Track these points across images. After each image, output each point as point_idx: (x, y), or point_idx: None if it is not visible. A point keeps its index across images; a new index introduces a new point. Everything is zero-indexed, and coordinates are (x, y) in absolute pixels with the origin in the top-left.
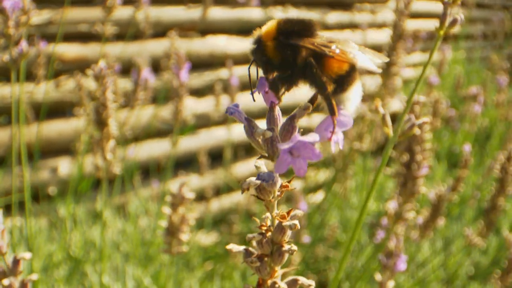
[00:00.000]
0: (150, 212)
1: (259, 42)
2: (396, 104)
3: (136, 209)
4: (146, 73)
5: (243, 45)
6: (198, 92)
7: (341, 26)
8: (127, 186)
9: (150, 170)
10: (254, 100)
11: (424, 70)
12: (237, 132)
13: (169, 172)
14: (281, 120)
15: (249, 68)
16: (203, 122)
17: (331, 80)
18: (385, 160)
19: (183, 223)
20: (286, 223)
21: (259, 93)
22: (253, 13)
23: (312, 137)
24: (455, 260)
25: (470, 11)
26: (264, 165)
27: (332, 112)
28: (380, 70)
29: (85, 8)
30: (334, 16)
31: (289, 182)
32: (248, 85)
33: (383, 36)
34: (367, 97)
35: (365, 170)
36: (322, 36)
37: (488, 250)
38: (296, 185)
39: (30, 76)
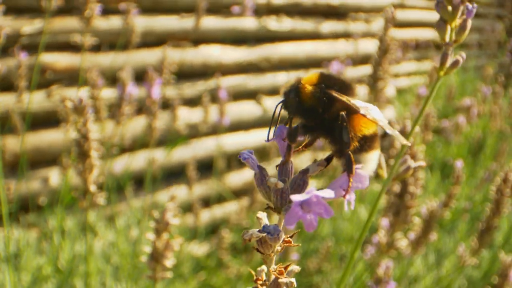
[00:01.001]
0: (142, 223)
1: (297, 84)
2: (388, 113)
3: (128, 220)
4: (131, 87)
5: (237, 54)
6: (192, 102)
7: (336, 36)
8: (114, 197)
9: (142, 181)
10: (267, 140)
11: (424, 107)
12: (230, 142)
13: (159, 184)
14: (293, 173)
15: (276, 105)
16: (197, 132)
17: (355, 138)
18: (379, 200)
19: (168, 249)
20: (282, 279)
21: (274, 139)
22: (247, 22)
23: (327, 193)
24: (448, 276)
25: None
26: (266, 217)
27: (349, 171)
28: (408, 143)
29: (77, 18)
30: (328, 26)
31: (291, 237)
32: (241, 95)
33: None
34: None
35: None
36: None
37: (481, 263)
38: None
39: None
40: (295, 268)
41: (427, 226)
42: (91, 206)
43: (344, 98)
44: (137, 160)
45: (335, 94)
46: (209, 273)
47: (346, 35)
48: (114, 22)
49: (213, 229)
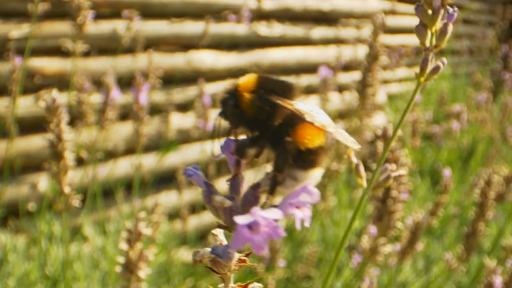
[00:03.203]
0: (126, 225)
1: (234, 92)
2: (379, 119)
3: (117, 225)
4: (115, 92)
5: (227, 60)
6: (182, 107)
7: (326, 41)
8: (101, 203)
9: (133, 186)
10: (214, 155)
11: (405, 112)
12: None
13: (149, 189)
14: (243, 188)
15: (216, 116)
16: (187, 137)
17: (297, 152)
18: (359, 210)
19: (141, 259)
20: None
21: (223, 153)
22: (237, 28)
23: (275, 214)
24: (436, 281)
25: (457, 26)
26: (222, 234)
27: (271, 191)
28: (358, 146)
29: (67, 22)
30: (319, 31)
31: (246, 256)
32: None
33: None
34: (346, 114)
35: (348, 187)
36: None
37: (470, 269)
38: (278, 201)
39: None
40: (257, 285)
41: (413, 237)
42: (66, 209)
43: (287, 103)
44: (127, 166)
45: (277, 100)
46: (198, 279)
47: (337, 41)
48: (103, 27)
49: (202, 235)
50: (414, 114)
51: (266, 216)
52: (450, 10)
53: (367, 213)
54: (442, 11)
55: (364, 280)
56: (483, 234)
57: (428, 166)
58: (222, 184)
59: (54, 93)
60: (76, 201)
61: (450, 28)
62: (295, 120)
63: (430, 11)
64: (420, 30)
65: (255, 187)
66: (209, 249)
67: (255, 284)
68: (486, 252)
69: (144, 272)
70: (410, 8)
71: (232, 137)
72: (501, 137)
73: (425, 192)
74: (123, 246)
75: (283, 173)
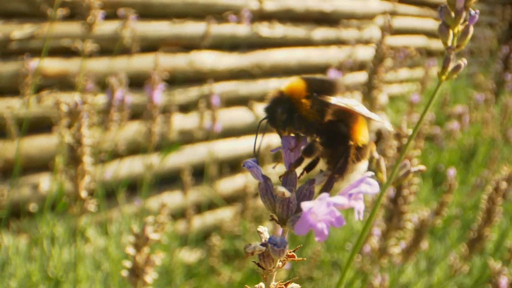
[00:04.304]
0: (133, 230)
1: (283, 97)
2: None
3: (120, 226)
4: (119, 93)
5: (229, 60)
6: (185, 108)
7: (328, 43)
8: (104, 204)
9: (135, 187)
10: (255, 153)
11: (425, 111)
12: (221, 148)
13: (151, 190)
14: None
15: (261, 121)
16: (189, 138)
17: (355, 150)
18: (377, 206)
19: (148, 264)
20: None
21: (281, 149)
22: (239, 29)
23: (341, 200)
24: (439, 283)
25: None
26: (267, 232)
27: (330, 183)
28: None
29: (68, 22)
30: (320, 33)
31: (294, 251)
32: (232, 102)
33: (370, 52)
34: None
35: None
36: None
37: (472, 270)
38: None
39: (12, 91)
40: (295, 286)
41: (418, 235)
42: (82, 213)
43: (343, 104)
44: (130, 166)
45: (334, 101)
46: (200, 280)
47: (338, 42)
48: (104, 28)
49: (204, 236)
50: (418, 115)
51: (334, 201)
52: (472, 12)
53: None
54: (464, 13)
55: (376, 277)
56: (489, 239)
57: (430, 167)
58: (224, 185)
59: (77, 97)
60: (91, 206)
61: (471, 29)
62: (349, 116)
63: (452, 13)
64: (443, 30)
65: (311, 182)
66: (259, 243)
67: (294, 284)
68: (489, 253)
69: (150, 277)
70: (411, 9)
71: (287, 136)
72: (502, 138)
73: (428, 193)
74: (130, 250)
75: (344, 175)
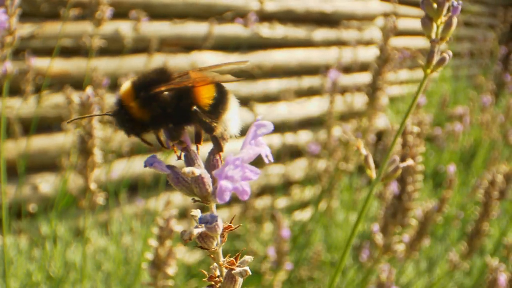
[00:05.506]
0: (134, 230)
1: (120, 106)
2: (381, 121)
3: (120, 226)
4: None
5: (229, 60)
6: None
7: (328, 43)
8: (112, 203)
9: (135, 187)
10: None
11: (413, 102)
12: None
13: (152, 190)
14: (199, 160)
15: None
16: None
17: (206, 108)
18: (369, 203)
19: (170, 256)
20: (235, 270)
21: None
22: (239, 29)
23: (245, 153)
24: (439, 282)
25: (458, 29)
26: (200, 213)
27: (219, 149)
28: (240, 79)
29: (68, 22)
30: (321, 33)
31: (230, 222)
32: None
33: (370, 53)
34: (347, 116)
35: (351, 188)
36: (181, 73)
37: (472, 270)
38: (282, 203)
39: (11, 91)
40: (247, 258)
41: (421, 228)
42: (91, 206)
43: (163, 86)
44: (131, 167)
45: (155, 90)
46: (201, 281)
47: (338, 43)
48: (105, 28)
49: None
50: (419, 116)
51: (241, 157)
52: (455, 3)
53: (370, 214)
54: (446, 4)
55: (383, 270)
56: (487, 234)
57: (430, 168)
58: None
59: (89, 90)
60: (100, 199)
61: (455, 20)
62: (186, 90)
63: (435, 5)
64: (426, 23)
65: (212, 152)
66: (194, 227)
67: (246, 257)
68: (489, 253)
69: (172, 269)
70: (411, 10)
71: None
72: (503, 140)
73: (428, 194)
74: (153, 243)
75: (217, 130)
